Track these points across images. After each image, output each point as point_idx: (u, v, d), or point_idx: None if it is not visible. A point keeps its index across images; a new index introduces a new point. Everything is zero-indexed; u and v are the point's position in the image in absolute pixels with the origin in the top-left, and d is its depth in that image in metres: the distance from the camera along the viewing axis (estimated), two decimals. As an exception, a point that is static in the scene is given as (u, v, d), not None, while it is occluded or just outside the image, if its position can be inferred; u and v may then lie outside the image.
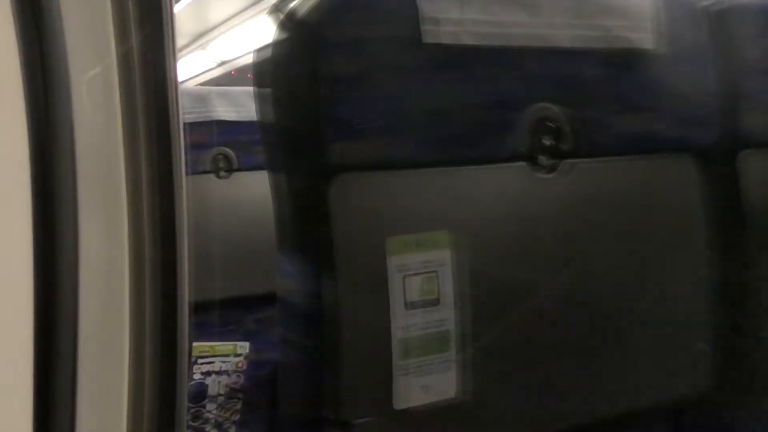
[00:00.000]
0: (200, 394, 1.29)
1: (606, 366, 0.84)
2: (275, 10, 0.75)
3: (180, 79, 0.60)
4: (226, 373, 1.32)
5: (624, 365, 0.85)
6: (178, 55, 0.60)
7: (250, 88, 0.81)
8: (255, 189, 1.59)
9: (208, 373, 1.32)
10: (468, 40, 0.75)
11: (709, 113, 0.89)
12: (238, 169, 1.67)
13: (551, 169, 0.80)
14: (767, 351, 0.93)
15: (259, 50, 0.77)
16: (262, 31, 0.77)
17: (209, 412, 1.29)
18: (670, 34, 0.86)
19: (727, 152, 0.92)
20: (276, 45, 0.75)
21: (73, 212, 0.55)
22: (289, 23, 0.74)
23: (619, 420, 0.86)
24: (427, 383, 0.73)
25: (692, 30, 0.89)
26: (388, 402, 0.72)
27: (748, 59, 0.93)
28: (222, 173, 1.66)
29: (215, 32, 4.25)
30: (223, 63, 4.73)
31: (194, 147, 1.58)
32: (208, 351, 1.33)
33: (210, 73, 4.86)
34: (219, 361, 1.33)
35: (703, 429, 0.94)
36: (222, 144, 1.65)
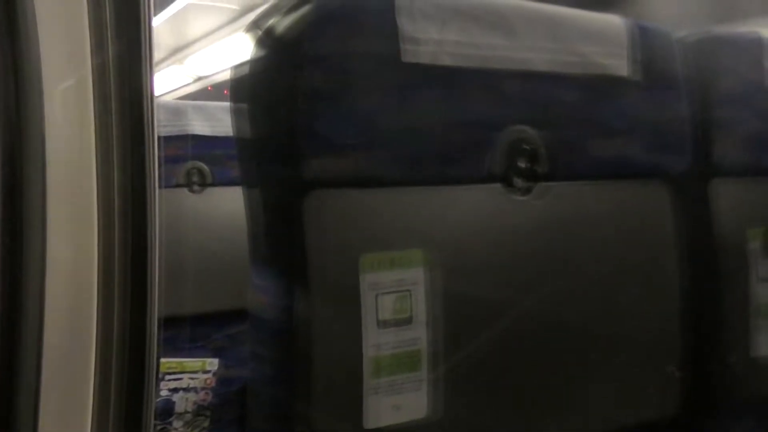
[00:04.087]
0: (167, 411, 1.28)
1: (576, 387, 0.84)
2: (254, 26, 0.76)
3: (156, 93, 0.60)
4: (194, 389, 1.31)
5: (594, 387, 0.85)
6: (155, 68, 0.59)
7: (226, 104, 0.81)
8: (228, 204, 1.59)
9: (176, 390, 1.30)
10: (446, 61, 0.76)
11: (681, 141, 0.91)
12: (212, 184, 1.66)
13: (526, 191, 0.80)
14: (735, 376, 0.93)
15: (237, 66, 0.77)
16: (239, 48, 0.77)
17: (176, 429, 1.27)
18: (645, 62, 0.87)
19: (698, 179, 0.93)
20: (254, 61, 0.75)
21: (42, 223, 0.55)
22: (268, 40, 0.74)
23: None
24: (397, 402, 0.73)
25: (667, 59, 0.90)
26: (358, 421, 0.71)
27: (721, 89, 0.95)
28: (195, 187, 1.65)
29: (193, 47, 4.25)
30: (199, 78, 4.72)
31: (168, 160, 1.57)
32: (176, 367, 1.32)
33: (186, 88, 4.85)
34: (187, 377, 1.31)
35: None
36: (196, 158, 1.64)
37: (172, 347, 1.37)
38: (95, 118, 0.56)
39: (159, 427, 1.26)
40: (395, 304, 0.73)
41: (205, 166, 1.65)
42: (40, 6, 0.54)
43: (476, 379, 0.78)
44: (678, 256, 0.90)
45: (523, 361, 0.80)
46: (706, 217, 0.93)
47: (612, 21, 0.88)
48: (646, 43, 0.88)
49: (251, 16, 0.78)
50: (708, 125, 0.93)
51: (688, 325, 0.89)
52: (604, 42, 0.85)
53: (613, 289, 0.86)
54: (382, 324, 0.72)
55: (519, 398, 0.81)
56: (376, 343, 0.72)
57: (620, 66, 0.86)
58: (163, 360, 1.29)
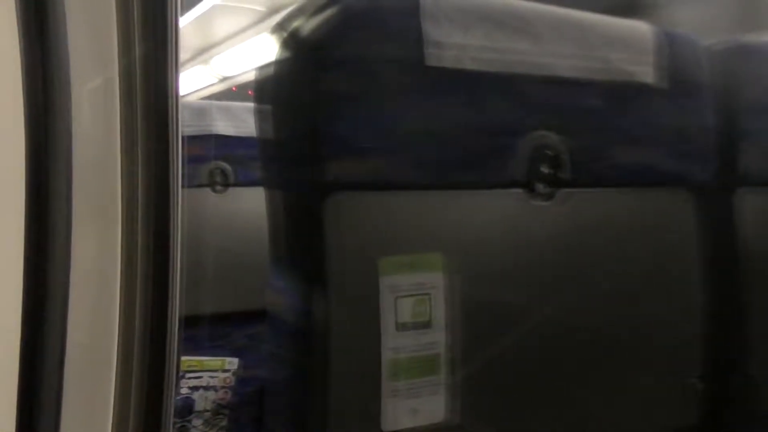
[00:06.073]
0: (187, 408, 1.28)
1: (595, 395, 0.84)
2: (278, 28, 0.76)
3: (181, 92, 0.60)
4: (214, 388, 1.31)
5: (613, 396, 0.84)
6: (181, 69, 0.60)
7: (250, 104, 0.81)
8: (250, 205, 1.59)
9: (196, 388, 1.31)
10: (470, 65, 0.76)
11: (707, 149, 0.90)
12: (234, 184, 1.67)
13: (548, 197, 0.80)
14: (757, 388, 0.92)
15: (261, 67, 0.78)
16: (264, 49, 0.77)
17: (195, 427, 1.28)
18: (672, 69, 0.86)
19: (723, 189, 0.92)
20: (278, 63, 0.75)
21: (67, 220, 0.55)
22: (293, 41, 0.74)
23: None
24: (415, 406, 0.73)
25: (694, 67, 0.90)
26: (375, 423, 0.71)
27: (748, 98, 0.94)
28: (218, 187, 1.66)
29: (218, 48, 4.28)
30: (224, 78, 4.75)
31: (192, 160, 1.58)
32: (196, 365, 1.33)
33: (211, 88, 4.88)
34: (207, 376, 1.32)
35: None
36: (219, 158, 1.65)
37: (192, 346, 1.38)
38: (121, 118, 0.57)
39: (178, 425, 1.27)
40: (414, 308, 0.73)
41: (227, 166, 1.66)
42: (69, 7, 0.55)
43: (494, 384, 0.78)
44: (701, 265, 0.89)
45: (542, 367, 0.80)
46: (731, 227, 0.92)
47: (638, 27, 0.87)
48: (672, 50, 0.87)
49: (277, 18, 0.79)
50: (734, 134, 0.93)
51: (711, 335, 0.88)
52: (629, 48, 0.85)
53: (635, 298, 0.85)
54: (401, 327, 0.72)
55: (537, 405, 0.80)
56: (395, 346, 0.72)
57: (646, 73, 0.85)
58: (183, 358, 1.30)
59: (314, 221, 0.71)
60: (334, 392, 0.70)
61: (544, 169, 0.80)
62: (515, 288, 0.79)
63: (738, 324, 0.93)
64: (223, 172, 1.66)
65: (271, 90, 0.77)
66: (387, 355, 0.71)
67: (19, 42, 0.54)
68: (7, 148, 0.54)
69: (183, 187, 0.60)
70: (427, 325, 0.73)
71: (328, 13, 0.72)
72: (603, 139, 0.83)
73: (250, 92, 0.84)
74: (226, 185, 1.66)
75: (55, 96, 0.55)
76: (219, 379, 1.32)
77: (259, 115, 0.79)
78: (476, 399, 0.76)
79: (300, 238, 0.75)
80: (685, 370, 0.88)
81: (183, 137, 0.60)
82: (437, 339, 0.74)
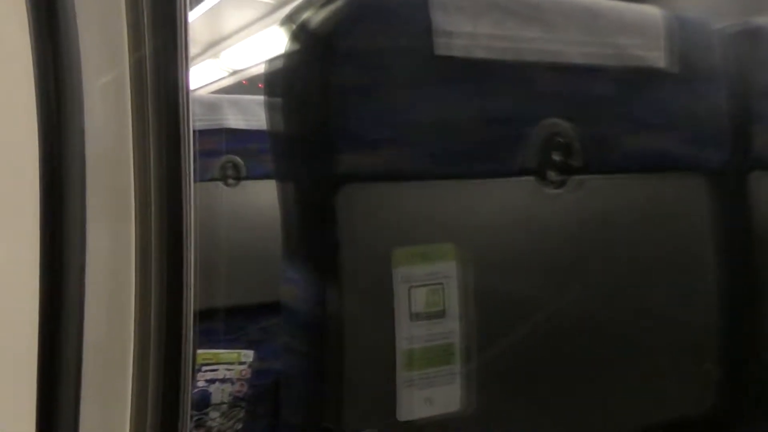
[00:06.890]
0: (203, 401, 1.29)
1: (610, 384, 0.83)
2: (288, 20, 0.76)
3: (192, 86, 0.60)
4: (230, 381, 1.32)
5: (629, 383, 0.84)
6: (191, 63, 0.60)
7: (261, 97, 0.81)
8: (262, 198, 1.60)
9: (212, 381, 1.31)
10: (480, 54, 0.76)
11: (720, 133, 0.89)
12: (246, 178, 1.67)
13: (560, 184, 0.80)
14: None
15: (271, 60, 0.78)
16: (274, 42, 0.77)
17: (212, 420, 1.29)
18: (683, 53, 0.86)
19: (737, 173, 0.92)
20: (288, 55, 0.75)
21: (81, 216, 0.56)
22: (302, 34, 0.74)
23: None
24: (430, 395, 0.73)
25: (706, 51, 0.89)
26: (391, 413, 0.71)
27: (761, 81, 0.93)
28: (230, 181, 1.66)
29: (228, 41, 4.28)
30: (234, 72, 4.75)
31: (203, 154, 1.59)
32: (212, 359, 1.33)
33: (221, 81, 4.88)
34: (223, 368, 1.33)
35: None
36: (231, 152, 1.66)
37: (207, 339, 1.39)
38: (133, 113, 0.57)
39: (196, 418, 1.27)
40: (428, 297, 0.73)
41: (239, 160, 1.66)
42: (79, 4, 0.55)
43: (509, 373, 0.78)
44: (716, 250, 0.88)
45: (556, 355, 0.80)
46: (745, 211, 0.92)
47: (649, 12, 0.86)
48: (684, 34, 0.86)
49: (286, 10, 0.79)
50: (747, 117, 0.92)
51: (726, 322, 0.88)
52: (640, 34, 0.84)
53: (649, 284, 0.85)
54: (415, 317, 0.72)
55: (552, 393, 0.80)
56: (409, 335, 0.72)
57: (657, 58, 0.84)
58: (199, 351, 1.31)
59: (327, 213, 0.71)
60: (349, 383, 0.71)
61: (556, 157, 0.79)
62: (528, 276, 0.79)
63: (754, 309, 0.92)
64: (235, 166, 1.67)
65: (281, 83, 0.77)
66: (401, 345, 0.72)
67: (31, 39, 0.54)
68: (21, 145, 0.55)
69: (195, 181, 0.60)
70: (440, 314, 0.73)
71: (338, 4, 0.72)
72: (615, 126, 0.83)
73: (260, 85, 0.84)
74: (238, 179, 1.67)
75: (67, 92, 0.55)
76: (235, 371, 1.33)
77: (270, 108, 0.79)
78: (491, 388, 0.76)
79: (313, 230, 0.75)
80: (701, 355, 0.88)
81: (194, 131, 0.60)
82: (451, 328, 0.74)
